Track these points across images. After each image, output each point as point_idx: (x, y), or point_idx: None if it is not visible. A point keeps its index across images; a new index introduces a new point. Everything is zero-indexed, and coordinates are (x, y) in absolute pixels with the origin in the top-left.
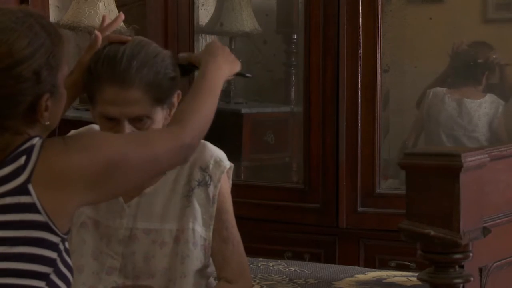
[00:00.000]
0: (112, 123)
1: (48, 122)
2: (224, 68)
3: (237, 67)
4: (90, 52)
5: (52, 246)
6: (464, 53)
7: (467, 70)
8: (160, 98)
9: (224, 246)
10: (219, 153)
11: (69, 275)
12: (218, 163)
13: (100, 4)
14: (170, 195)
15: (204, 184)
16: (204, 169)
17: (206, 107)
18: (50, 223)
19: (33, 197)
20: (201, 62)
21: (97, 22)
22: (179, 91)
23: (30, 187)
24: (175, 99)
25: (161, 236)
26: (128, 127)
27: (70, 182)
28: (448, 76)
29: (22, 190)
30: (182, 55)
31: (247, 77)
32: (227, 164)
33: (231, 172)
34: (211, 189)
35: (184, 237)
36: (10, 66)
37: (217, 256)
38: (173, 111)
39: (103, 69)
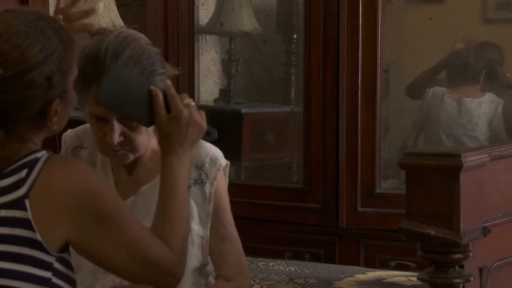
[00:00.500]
0: (101, 123)
1: (56, 127)
2: (186, 155)
3: (200, 135)
4: None
5: (46, 266)
6: (462, 52)
7: (465, 69)
8: None
9: (222, 244)
10: (215, 151)
11: None
12: (214, 161)
13: (100, 4)
14: None
15: (200, 182)
16: (200, 167)
17: (183, 222)
18: (42, 242)
19: (28, 213)
20: (162, 159)
21: (97, 22)
22: None
23: (27, 202)
24: None
25: None
26: (117, 126)
27: (62, 204)
28: (444, 68)
29: (18, 204)
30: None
31: (211, 138)
32: (223, 161)
33: (227, 169)
34: (207, 187)
35: None
36: (22, 72)
37: (215, 254)
38: None
39: (87, 68)
